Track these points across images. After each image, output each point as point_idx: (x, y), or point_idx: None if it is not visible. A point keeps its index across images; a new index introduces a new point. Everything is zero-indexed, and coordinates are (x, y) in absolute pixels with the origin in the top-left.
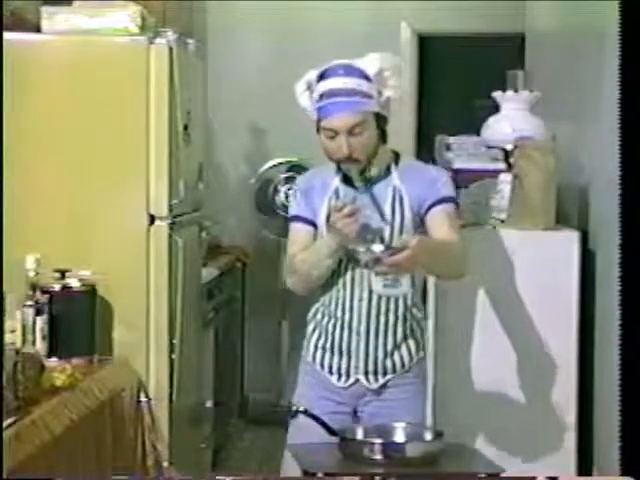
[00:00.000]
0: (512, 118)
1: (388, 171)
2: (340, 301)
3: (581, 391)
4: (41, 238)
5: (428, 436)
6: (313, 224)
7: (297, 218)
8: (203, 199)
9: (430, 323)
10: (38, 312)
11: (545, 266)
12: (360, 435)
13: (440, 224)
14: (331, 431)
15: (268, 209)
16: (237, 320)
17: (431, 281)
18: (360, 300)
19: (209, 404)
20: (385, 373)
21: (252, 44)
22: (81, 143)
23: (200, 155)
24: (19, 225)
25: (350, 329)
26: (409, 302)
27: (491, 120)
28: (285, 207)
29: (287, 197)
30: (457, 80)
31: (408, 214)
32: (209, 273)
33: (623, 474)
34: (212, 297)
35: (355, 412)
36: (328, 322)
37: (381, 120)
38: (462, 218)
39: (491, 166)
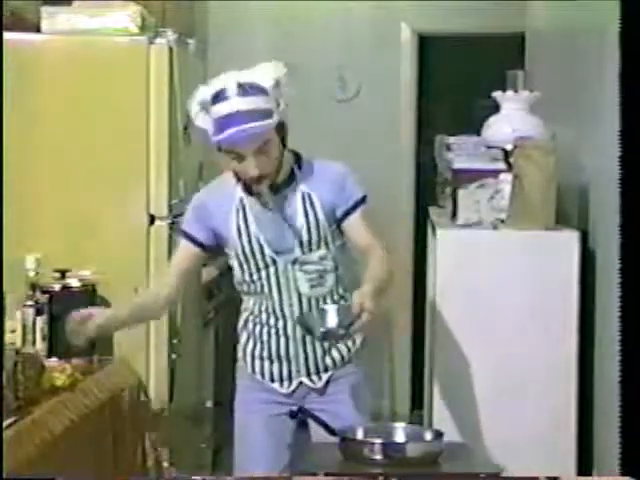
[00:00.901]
0: (512, 118)
1: (292, 174)
2: (270, 309)
3: (581, 391)
4: (41, 238)
5: (428, 436)
6: (200, 244)
7: (185, 235)
8: None
9: (430, 323)
10: (38, 312)
11: (545, 266)
12: (360, 435)
13: (358, 231)
14: (331, 431)
15: None
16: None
17: (430, 280)
18: (290, 306)
19: (209, 404)
20: (326, 370)
21: (253, 44)
22: (81, 143)
23: (200, 155)
24: (19, 225)
25: (286, 336)
26: (336, 296)
27: (491, 120)
28: None
29: None
30: (457, 80)
31: (320, 214)
32: (209, 273)
33: (623, 474)
34: (212, 297)
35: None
36: (261, 330)
37: (282, 128)
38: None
39: (491, 166)
